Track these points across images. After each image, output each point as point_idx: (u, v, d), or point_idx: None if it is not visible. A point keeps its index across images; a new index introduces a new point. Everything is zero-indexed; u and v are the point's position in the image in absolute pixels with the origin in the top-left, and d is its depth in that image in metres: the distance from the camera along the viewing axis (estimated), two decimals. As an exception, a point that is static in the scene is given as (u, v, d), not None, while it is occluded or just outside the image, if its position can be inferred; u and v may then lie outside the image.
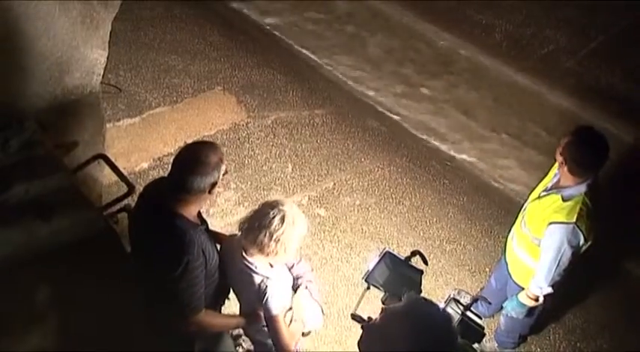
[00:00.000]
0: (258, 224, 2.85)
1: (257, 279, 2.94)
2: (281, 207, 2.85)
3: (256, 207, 2.97)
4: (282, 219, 2.81)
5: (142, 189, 3.07)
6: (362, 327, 2.25)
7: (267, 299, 2.94)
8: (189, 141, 5.30)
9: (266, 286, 2.93)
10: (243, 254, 2.94)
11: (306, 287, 3.23)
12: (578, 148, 3.23)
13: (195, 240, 2.74)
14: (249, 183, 5.16)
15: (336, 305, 4.45)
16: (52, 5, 3.22)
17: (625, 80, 5.36)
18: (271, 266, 2.99)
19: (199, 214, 2.95)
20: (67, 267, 2.92)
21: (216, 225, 3.40)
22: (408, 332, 1.99)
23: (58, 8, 3.24)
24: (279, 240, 2.82)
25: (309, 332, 3.35)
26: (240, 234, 2.96)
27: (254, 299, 3.01)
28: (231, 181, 5.12)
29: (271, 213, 2.83)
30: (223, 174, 2.79)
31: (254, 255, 2.93)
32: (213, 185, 2.74)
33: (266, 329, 3.13)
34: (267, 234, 2.82)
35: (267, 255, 2.88)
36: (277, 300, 2.96)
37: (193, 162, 2.71)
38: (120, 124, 5.46)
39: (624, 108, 5.22)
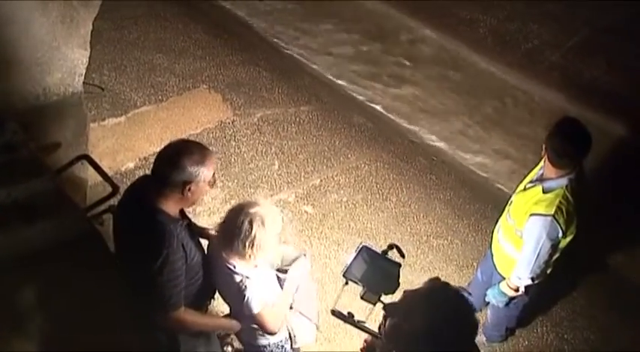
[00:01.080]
0: (230, 233, 2.85)
1: (237, 279, 2.93)
2: (248, 211, 2.83)
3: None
4: (251, 223, 2.80)
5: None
6: (383, 308, 2.26)
7: (247, 299, 2.93)
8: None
9: (245, 286, 2.92)
10: (224, 255, 2.93)
11: (291, 307, 3.26)
12: (558, 139, 3.24)
13: (175, 234, 2.73)
14: (235, 181, 5.14)
15: (324, 302, 4.40)
16: (31, 5, 3.20)
17: (608, 73, 5.38)
18: (255, 266, 2.99)
19: (182, 212, 2.94)
20: (52, 269, 2.90)
21: (203, 223, 3.39)
22: (427, 311, 2.05)
23: (37, 8, 3.22)
24: (253, 244, 2.82)
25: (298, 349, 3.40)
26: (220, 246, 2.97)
27: (235, 300, 3.01)
28: (218, 179, 5.05)
29: (239, 219, 2.82)
30: (210, 183, 2.77)
31: (234, 258, 2.93)
32: (186, 183, 2.69)
33: (254, 326, 3.14)
34: (240, 241, 2.82)
35: (248, 258, 2.88)
36: (258, 299, 2.96)
37: (169, 154, 2.72)
38: (105, 124, 5.43)
39: (608, 101, 5.24)
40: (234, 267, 2.92)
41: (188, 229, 2.90)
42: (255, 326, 3.14)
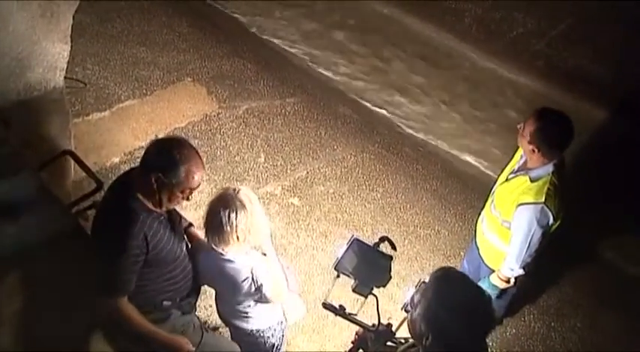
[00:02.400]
0: (216, 226, 2.85)
1: (241, 270, 2.94)
2: (228, 201, 2.83)
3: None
4: (235, 212, 2.80)
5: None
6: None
7: (260, 286, 2.96)
8: (160, 134, 5.29)
9: (255, 276, 2.93)
10: (217, 249, 2.92)
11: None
12: (550, 132, 3.24)
13: (139, 223, 2.68)
14: (221, 174, 5.12)
15: (312, 293, 4.44)
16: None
17: (593, 62, 5.40)
18: (255, 248, 3.01)
19: (174, 211, 2.93)
20: (36, 266, 2.88)
21: (190, 217, 3.36)
22: (433, 298, 2.07)
23: (16, 2, 3.18)
24: (243, 229, 2.83)
25: None
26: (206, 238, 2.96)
27: (247, 292, 3.01)
28: (201, 180, 5.07)
29: (221, 211, 2.82)
30: (184, 195, 2.75)
31: (230, 249, 2.92)
32: (163, 184, 2.67)
33: (241, 308, 3.14)
34: (229, 231, 2.82)
35: (244, 241, 2.88)
36: (269, 284, 2.98)
37: (160, 148, 2.72)
38: (89, 119, 5.38)
39: (593, 89, 5.26)
40: (234, 259, 2.93)
41: (168, 224, 2.86)
42: (244, 310, 3.14)
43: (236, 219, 2.81)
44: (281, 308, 3.33)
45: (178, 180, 2.67)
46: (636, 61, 5.15)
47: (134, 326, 2.82)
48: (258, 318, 3.21)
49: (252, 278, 2.96)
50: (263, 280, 2.97)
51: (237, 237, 2.85)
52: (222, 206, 2.83)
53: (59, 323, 2.72)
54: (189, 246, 3.11)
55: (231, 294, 3.10)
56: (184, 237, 3.08)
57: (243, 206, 2.83)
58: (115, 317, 2.80)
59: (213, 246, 2.93)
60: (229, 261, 2.94)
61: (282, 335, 3.44)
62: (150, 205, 2.76)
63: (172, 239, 2.87)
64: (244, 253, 2.98)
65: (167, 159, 2.66)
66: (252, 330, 3.26)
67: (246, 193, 2.89)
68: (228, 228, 2.82)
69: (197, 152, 2.79)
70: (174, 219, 2.95)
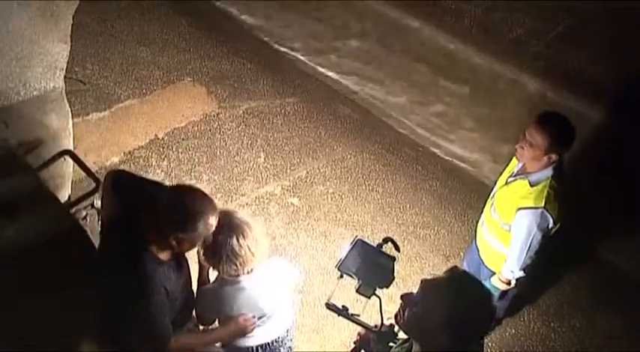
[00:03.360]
0: (221, 256, 2.83)
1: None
2: (228, 226, 2.81)
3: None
4: (237, 239, 2.79)
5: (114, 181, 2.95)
6: (401, 298, 2.24)
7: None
8: (160, 133, 5.30)
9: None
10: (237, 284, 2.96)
11: None
12: (554, 135, 3.23)
13: (158, 279, 2.69)
14: (221, 174, 5.12)
15: (312, 293, 4.44)
16: (9, 0, 3.16)
17: (593, 63, 5.39)
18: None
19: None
20: (35, 266, 2.88)
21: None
22: (447, 303, 2.05)
23: (16, 2, 3.17)
24: (246, 253, 2.82)
25: None
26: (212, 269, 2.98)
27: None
28: (203, 173, 5.09)
29: (224, 238, 2.79)
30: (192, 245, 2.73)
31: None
32: (183, 241, 2.64)
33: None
34: (234, 259, 2.82)
35: (246, 265, 2.88)
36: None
37: (174, 203, 2.61)
38: (89, 118, 5.37)
39: (593, 90, 5.25)
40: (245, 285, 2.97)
41: (176, 265, 2.86)
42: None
43: (240, 245, 2.80)
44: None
45: (199, 233, 2.64)
46: (636, 62, 5.15)
47: (195, 346, 3.02)
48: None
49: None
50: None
51: (247, 261, 2.85)
52: (226, 231, 2.80)
53: (58, 324, 2.71)
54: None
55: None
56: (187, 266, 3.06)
57: (246, 230, 2.82)
58: None
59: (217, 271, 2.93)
60: (243, 288, 2.97)
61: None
62: (163, 256, 2.74)
63: (180, 277, 2.89)
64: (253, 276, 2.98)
65: (184, 216, 2.59)
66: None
67: (242, 219, 2.87)
68: (234, 258, 2.82)
69: (206, 195, 2.74)
70: (180, 260, 2.94)
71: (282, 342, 3.31)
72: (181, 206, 2.59)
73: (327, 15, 6.28)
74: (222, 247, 2.81)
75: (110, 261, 2.76)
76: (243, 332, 3.06)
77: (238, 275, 2.93)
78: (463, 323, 2.06)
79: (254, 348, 3.24)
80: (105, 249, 2.88)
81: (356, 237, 2.80)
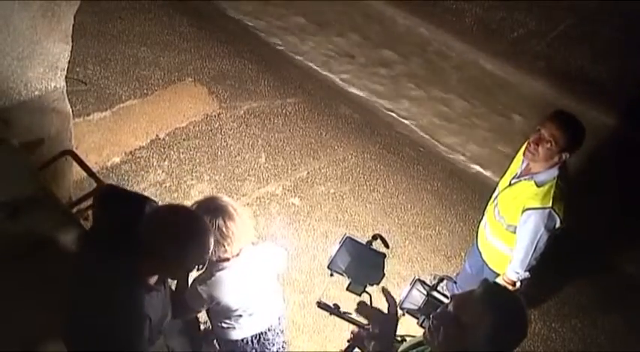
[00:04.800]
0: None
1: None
2: (215, 211, 2.80)
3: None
4: (224, 219, 2.78)
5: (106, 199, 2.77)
6: (434, 317, 2.15)
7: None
8: (161, 134, 5.30)
9: None
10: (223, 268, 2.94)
11: None
12: (570, 134, 3.22)
13: (145, 310, 2.45)
14: (222, 174, 5.12)
15: (312, 293, 4.44)
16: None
17: (594, 62, 5.38)
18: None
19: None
20: (35, 266, 2.88)
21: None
22: (490, 318, 2.00)
23: (17, 3, 3.17)
24: (234, 233, 2.82)
25: None
26: None
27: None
28: (204, 173, 5.08)
29: (214, 221, 2.77)
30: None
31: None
32: (184, 269, 2.53)
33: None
34: (221, 239, 2.80)
35: (233, 245, 2.87)
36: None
37: (169, 234, 2.37)
38: (90, 118, 5.37)
39: (594, 90, 5.25)
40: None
41: (161, 291, 2.62)
42: (229, 323, 3.15)
43: (227, 229, 2.79)
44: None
45: (201, 261, 2.51)
46: (638, 62, 5.14)
47: None
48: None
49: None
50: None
51: (227, 246, 2.84)
52: (214, 214, 2.80)
53: (58, 324, 2.71)
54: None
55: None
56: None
57: (230, 217, 2.81)
58: None
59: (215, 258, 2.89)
60: (232, 271, 2.95)
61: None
62: (151, 281, 2.52)
63: (164, 303, 2.68)
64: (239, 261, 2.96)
65: (182, 249, 2.38)
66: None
67: (228, 203, 2.86)
68: (228, 233, 2.81)
69: (202, 220, 2.54)
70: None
71: (275, 331, 3.33)
72: (179, 238, 2.37)
73: (328, 15, 6.28)
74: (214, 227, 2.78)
75: (88, 283, 2.47)
76: None
77: (227, 259, 2.91)
78: (507, 335, 2.05)
79: (248, 339, 3.26)
80: (84, 267, 2.57)
81: (345, 234, 2.80)
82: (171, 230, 2.36)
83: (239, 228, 2.84)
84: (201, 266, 2.59)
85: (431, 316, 2.14)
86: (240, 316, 3.13)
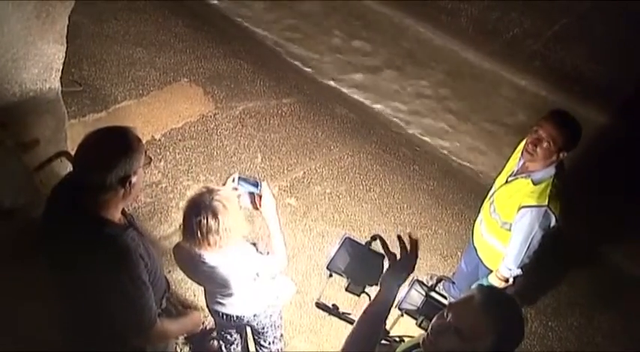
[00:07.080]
0: (190, 233, 2.77)
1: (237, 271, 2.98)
2: (200, 208, 2.74)
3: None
4: (214, 214, 2.72)
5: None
6: (430, 328, 2.12)
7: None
8: (157, 134, 5.29)
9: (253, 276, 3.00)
10: (200, 252, 2.89)
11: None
12: (568, 132, 3.22)
13: (129, 245, 2.38)
14: (218, 174, 5.11)
15: (309, 294, 4.43)
16: (4, 0, 3.14)
17: (589, 61, 5.41)
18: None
19: (124, 212, 2.56)
20: (29, 267, 2.87)
21: (178, 218, 3.33)
22: (490, 331, 2.01)
23: (11, 3, 3.15)
24: (224, 230, 2.75)
25: None
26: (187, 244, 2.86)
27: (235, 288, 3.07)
28: (200, 173, 5.08)
29: (194, 218, 2.73)
30: (145, 165, 2.45)
31: (207, 254, 2.90)
32: (124, 179, 2.31)
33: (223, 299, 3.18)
34: (200, 238, 2.75)
35: (215, 246, 2.82)
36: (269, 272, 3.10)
37: (94, 155, 2.33)
38: (86, 119, 5.35)
39: (589, 89, 5.27)
40: (210, 262, 2.93)
41: (137, 232, 2.54)
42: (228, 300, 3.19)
43: (207, 225, 2.72)
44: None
45: (140, 162, 2.40)
46: (633, 61, 5.16)
47: (175, 333, 2.97)
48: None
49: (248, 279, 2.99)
50: (260, 272, 3.05)
51: (209, 244, 2.79)
52: (195, 213, 2.74)
53: (52, 325, 2.71)
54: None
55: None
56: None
57: (216, 214, 2.73)
58: (159, 341, 2.80)
59: (197, 249, 2.87)
60: (208, 264, 2.93)
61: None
62: (118, 220, 2.44)
63: (148, 244, 2.61)
64: (222, 256, 2.93)
65: (119, 163, 2.31)
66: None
67: (220, 199, 2.77)
68: (200, 235, 2.75)
69: (111, 130, 2.52)
70: (135, 224, 2.65)
71: (247, 322, 3.39)
72: (116, 149, 2.34)
73: (325, 15, 6.30)
74: (187, 222, 2.76)
75: (65, 248, 2.39)
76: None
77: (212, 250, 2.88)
78: (511, 342, 2.07)
79: (220, 313, 3.32)
80: (53, 223, 2.48)
81: (344, 235, 2.80)
82: (90, 156, 2.34)
83: (230, 221, 2.78)
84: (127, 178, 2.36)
85: (429, 327, 2.12)
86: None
